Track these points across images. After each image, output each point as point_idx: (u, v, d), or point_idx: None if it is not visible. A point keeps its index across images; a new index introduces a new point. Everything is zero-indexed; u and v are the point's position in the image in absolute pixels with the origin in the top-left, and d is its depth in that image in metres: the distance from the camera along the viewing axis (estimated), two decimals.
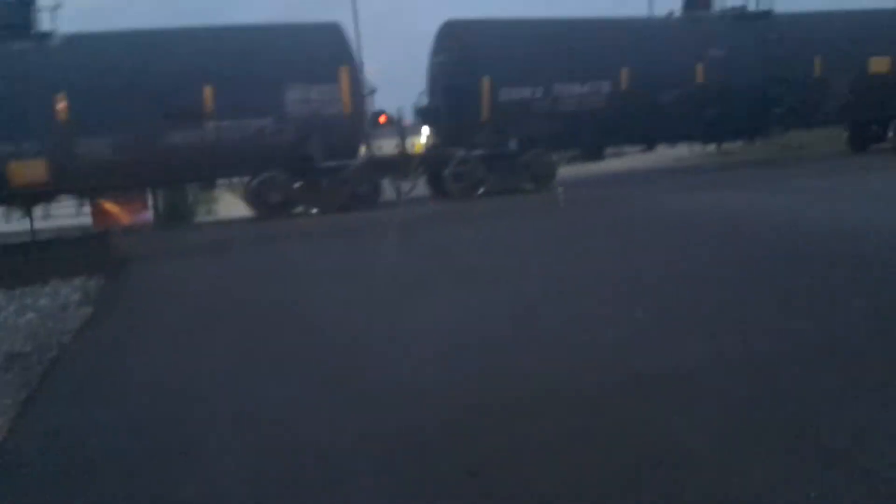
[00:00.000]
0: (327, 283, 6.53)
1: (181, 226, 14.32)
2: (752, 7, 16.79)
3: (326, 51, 13.10)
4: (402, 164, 14.82)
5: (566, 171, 19.51)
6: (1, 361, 4.84)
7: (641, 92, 15.16)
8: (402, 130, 15.90)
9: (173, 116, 11.99)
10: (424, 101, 15.68)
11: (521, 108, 14.50)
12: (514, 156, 14.75)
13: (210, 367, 4.28)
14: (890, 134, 18.07)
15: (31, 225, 13.14)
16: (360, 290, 5.98)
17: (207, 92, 12.09)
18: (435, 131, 15.69)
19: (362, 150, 14.73)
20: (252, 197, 13.47)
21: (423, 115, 15.72)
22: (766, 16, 16.53)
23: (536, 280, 6.08)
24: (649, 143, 16.98)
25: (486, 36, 14.72)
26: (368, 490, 2.60)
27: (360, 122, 13.55)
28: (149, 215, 13.74)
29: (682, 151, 21.28)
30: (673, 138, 16.88)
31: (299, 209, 13.62)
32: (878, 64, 17.05)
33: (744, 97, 16.00)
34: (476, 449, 2.83)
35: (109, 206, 13.15)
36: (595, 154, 16.60)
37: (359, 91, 13.50)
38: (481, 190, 14.45)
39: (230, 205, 16.52)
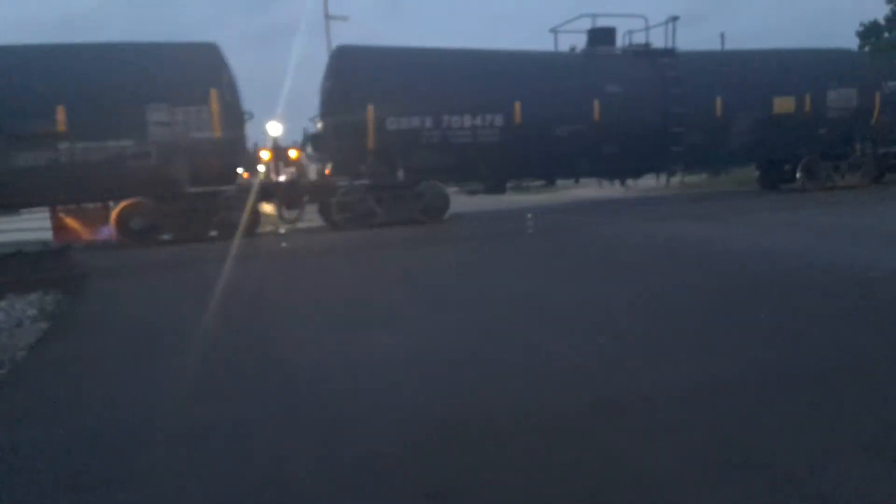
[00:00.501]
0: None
1: (144, 243, 13.76)
2: (658, 45, 16.79)
3: (197, 71, 12.54)
4: (287, 192, 14.27)
5: (518, 199, 19.99)
6: None
7: (536, 126, 14.89)
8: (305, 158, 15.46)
9: (21, 138, 11.28)
10: (314, 127, 15.23)
11: (410, 138, 14.09)
12: (404, 186, 14.31)
13: (164, 385, 4.17)
14: (798, 174, 18.07)
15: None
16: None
17: (60, 112, 11.41)
18: (324, 159, 15.20)
19: (246, 175, 14.18)
20: (116, 223, 12.79)
21: (313, 142, 15.25)
22: (668, 53, 16.47)
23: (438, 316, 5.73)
24: (548, 179, 16.65)
25: (374, 63, 14.33)
26: None
27: (233, 147, 12.96)
28: (110, 231, 13.33)
29: (649, 182, 21.72)
30: (571, 174, 16.60)
31: (166, 236, 12.94)
32: (782, 104, 17.09)
33: (642, 135, 15.85)
34: (437, 473, 2.77)
35: (70, 221, 12.95)
36: (496, 187, 16.22)
37: (234, 114, 12.93)
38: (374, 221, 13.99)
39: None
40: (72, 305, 7.09)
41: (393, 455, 2.93)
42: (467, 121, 14.42)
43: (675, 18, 16.65)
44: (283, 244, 12.63)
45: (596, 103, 15.33)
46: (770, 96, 16.95)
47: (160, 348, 5.07)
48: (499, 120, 14.63)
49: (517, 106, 14.67)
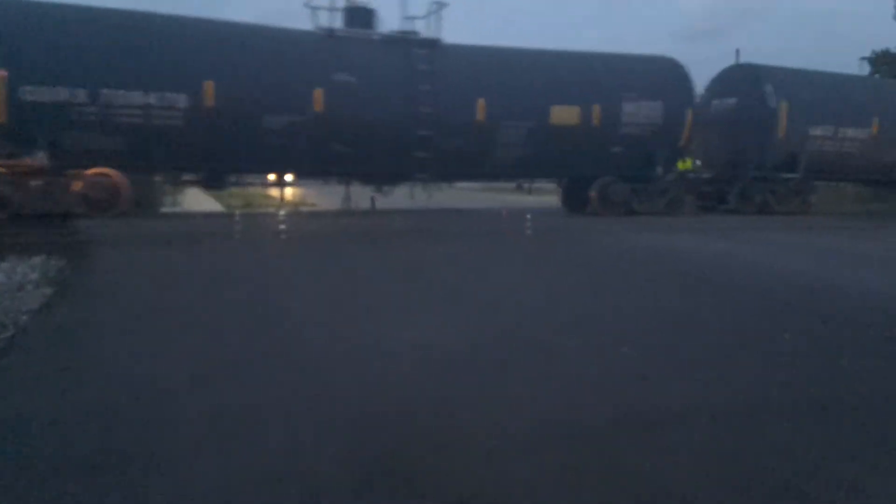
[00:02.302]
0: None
1: (147, 214, 13.81)
2: (427, 33, 14.37)
3: None
4: None
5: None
6: None
7: (237, 113, 12.35)
8: None
9: None
10: None
11: (55, 113, 11.43)
12: (49, 173, 11.64)
13: (166, 359, 4.13)
14: (592, 193, 15.82)
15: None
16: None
17: None
18: None
19: None
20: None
21: None
22: (426, 44, 14.04)
23: None
24: (259, 174, 14.08)
25: (18, 16, 11.58)
26: None
27: None
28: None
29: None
30: (290, 172, 14.04)
31: None
32: (563, 114, 14.78)
33: (382, 135, 13.40)
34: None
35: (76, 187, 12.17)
36: (212, 180, 13.61)
37: None
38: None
39: (196, 198, 16.61)
40: (75, 273, 6.92)
41: (415, 458, 2.82)
42: (137, 98, 11.80)
43: (441, 5, 14.24)
44: None
45: (318, 92, 12.82)
46: (548, 104, 14.65)
47: (166, 320, 5.09)
48: (182, 100, 12.02)
49: (209, 86, 12.09)
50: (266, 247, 9.85)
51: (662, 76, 15.97)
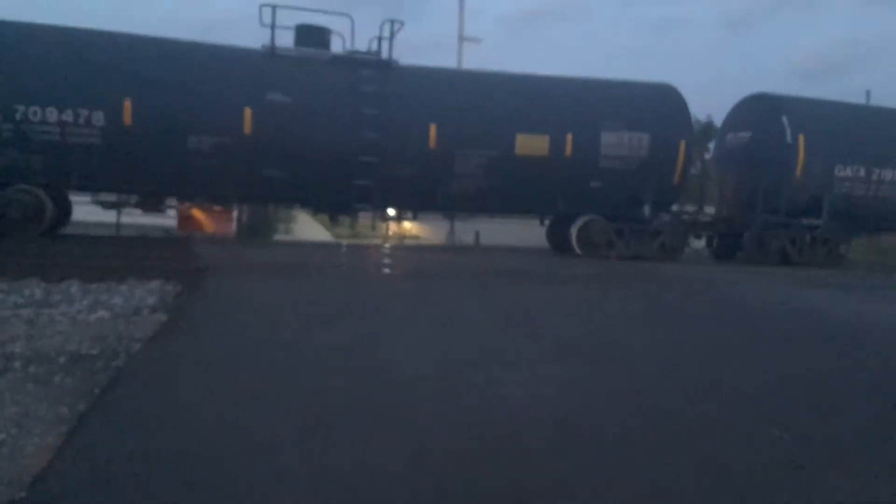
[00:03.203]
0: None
1: (261, 241, 14.34)
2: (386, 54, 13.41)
3: None
4: None
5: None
6: (65, 362, 4.57)
7: (157, 133, 11.73)
8: None
9: None
10: None
11: None
12: None
13: (273, 406, 3.91)
14: (572, 232, 14.21)
15: (118, 220, 13.16)
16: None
17: None
18: None
19: None
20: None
21: None
22: (376, 65, 13.05)
23: None
24: (185, 200, 13.26)
25: None
26: None
27: None
28: (232, 227, 14.24)
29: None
30: (217, 198, 13.17)
31: None
32: (530, 143, 13.35)
33: (321, 161, 12.44)
34: None
35: (196, 213, 13.18)
36: (149, 203, 12.99)
37: None
38: None
39: (307, 225, 16.84)
40: (191, 299, 6.87)
41: None
42: (52, 115, 11.40)
43: (395, 22, 13.27)
44: None
45: (248, 112, 12.06)
46: (512, 132, 13.28)
47: (282, 360, 4.85)
48: (100, 118, 11.51)
49: (127, 103, 11.55)
50: (374, 283, 9.53)
51: (652, 104, 14.26)
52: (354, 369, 4.78)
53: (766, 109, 15.53)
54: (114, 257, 9.24)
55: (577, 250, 14.27)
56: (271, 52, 12.67)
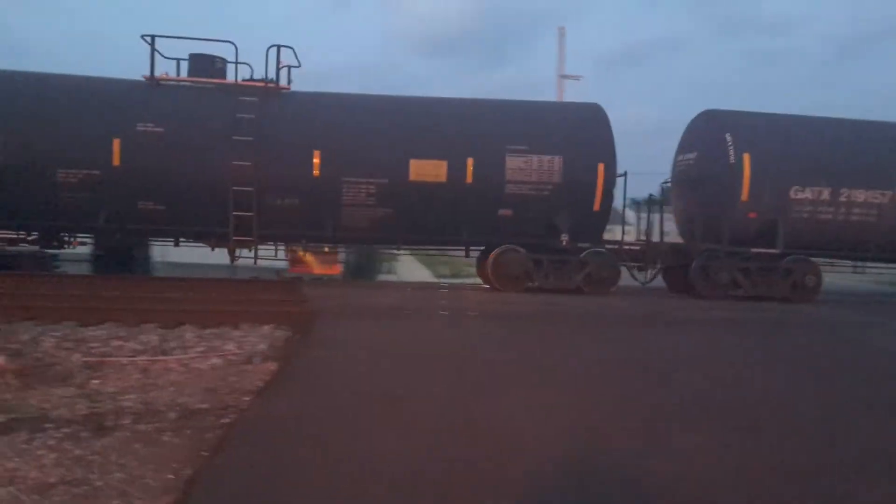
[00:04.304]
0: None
1: (366, 282, 14.68)
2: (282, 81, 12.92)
3: None
4: None
5: None
6: (175, 418, 4.53)
7: (29, 167, 11.61)
8: None
9: None
10: None
11: None
12: None
13: (390, 477, 3.48)
14: (487, 263, 13.06)
15: (231, 261, 13.42)
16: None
17: None
18: None
19: None
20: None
21: None
22: (257, 91, 12.50)
23: None
24: (67, 232, 12.83)
25: None
26: None
27: None
28: (339, 268, 14.66)
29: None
30: (94, 232, 12.75)
31: None
32: (425, 169, 12.42)
33: (193, 191, 11.96)
34: None
35: (304, 255, 13.61)
36: (46, 240, 12.81)
37: None
38: None
39: (409, 266, 16.68)
40: (301, 346, 6.83)
41: None
42: None
43: (280, 48, 12.76)
44: None
45: (116, 144, 11.77)
46: (406, 157, 12.40)
47: (396, 418, 4.48)
48: None
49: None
50: (473, 328, 8.81)
51: (567, 126, 13.06)
52: (465, 428, 4.35)
53: (710, 128, 13.97)
54: (228, 301, 9.39)
55: (495, 284, 13.10)
56: (152, 83, 12.42)
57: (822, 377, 6.54)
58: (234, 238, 12.16)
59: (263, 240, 12.64)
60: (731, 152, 13.17)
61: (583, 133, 13.02)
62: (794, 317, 11.14)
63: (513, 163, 12.59)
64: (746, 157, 13.04)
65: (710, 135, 13.86)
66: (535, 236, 12.86)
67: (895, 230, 13.34)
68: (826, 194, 13.20)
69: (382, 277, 15.93)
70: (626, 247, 13.83)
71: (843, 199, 13.23)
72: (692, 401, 5.26)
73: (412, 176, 12.39)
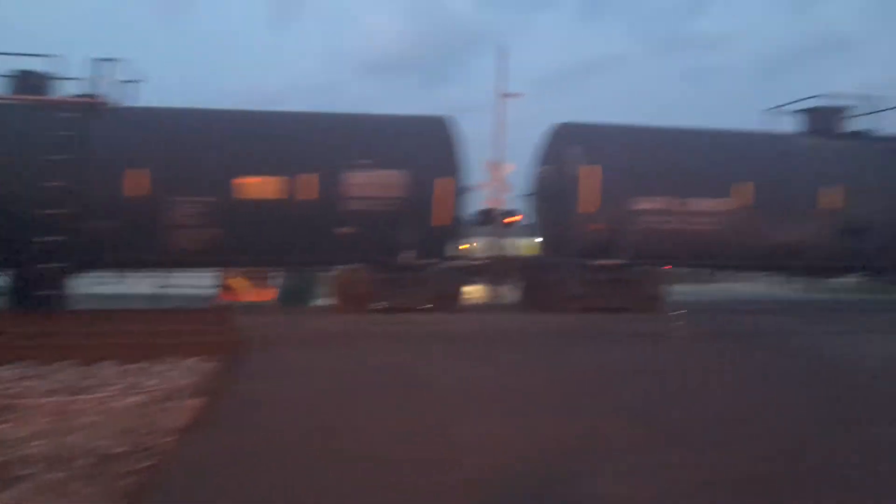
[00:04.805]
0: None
1: (301, 308, 13.67)
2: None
3: None
4: None
5: None
6: (90, 464, 4.14)
7: None
8: None
9: None
10: None
11: None
12: None
13: None
14: (333, 284, 12.62)
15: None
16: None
17: None
18: None
19: None
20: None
21: None
22: (75, 107, 11.74)
23: None
24: None
25: None
26: None
27: None
28: (272, 293, 13.74)
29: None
30: None
31: None
32: (258, 187, 11.93)
33: (12, 214, 11.13)
34: None
35: (235, 282, 13.07)
36: None
37: None
38: None
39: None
40: (229, 380, 6.45)
41: None
42: None
43: (105, 60, 12.07)
44: None
45: None
46: (235, 174, 11.87)
47: (333, 456, 4.13)
48: None
49: None
50: (417, 351, 8.35)
51: (410, 140, 12.81)
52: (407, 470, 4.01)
53: (559, 140, 13.97)
54: (152, 333, 8.71)
55: (339, 304, 12.68)
56: None
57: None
58: (40, 266, 11.31)
59: (84, 267, 11.85)
60: (578, 164, 13.17)
61: (428, 147, 12.77)
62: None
63: (355, 178, 12.23)
64: (590, 169, 13.06)
65: (559, 147, 13.85)
66: (380, 254, 12.52)
67: (738, 238, 13.59)
68: (669, 204, 13.35)
69: (319, 302, 14.79)
70: (475, 262, 13.65)
71: (685, 208, 13.41)
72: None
73: (243, 194, 11.87)
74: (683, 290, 15.99)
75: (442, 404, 5.66)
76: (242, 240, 11.99)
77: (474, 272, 13.44)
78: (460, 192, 12.89)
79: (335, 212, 12.18)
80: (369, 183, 12.28)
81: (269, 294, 13.85)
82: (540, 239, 14.86)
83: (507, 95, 23.77)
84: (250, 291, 13.37)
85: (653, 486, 3.79)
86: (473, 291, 14.92)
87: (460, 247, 14.12)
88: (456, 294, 12.93)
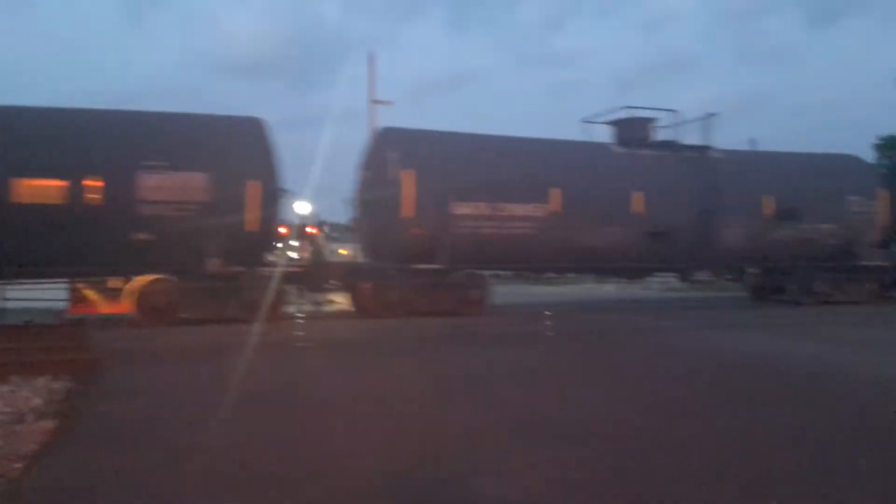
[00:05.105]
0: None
1: (162, 321, 11.89)
2: None
3: None
4: None
5: None
6: None
7: None
8: None
9: None
10: None
11: None
12: None
13: None
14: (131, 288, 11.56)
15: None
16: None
17: None
18: None
19: None
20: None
21: None
22: None
23: None
24: None
25: None
26: None
27: None
28: (129, 306, 12.00)
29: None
30: None
31: None
32: (36, 190, 10.76)
33: None
34: None
35: (89, 293, 11.88)
36: None
37: None
38: None
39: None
40: (84, 400, 5.93)
41: None
42: None
43: None
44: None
45: None
46: (8, 176, 10.66)
47: (200, 479, 3.88)
48: None
49: None
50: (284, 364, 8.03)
51: (216, 141, 12.11)
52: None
53: (379, 145, 13.83)
54: None
55: (138, 316, 11.68)
56: None
57: None
58: None
59: None
60: (396, 169, 13.04)
61: (235, 148, 12.12)
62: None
63: (149, 181, 11.33)
64: (409, 174, 12.97)
65: (379, 152, 13.67)
66: (185, 262, 11.67)
67: (551, 242, 14.02)
68: (485, 209, 13.54)
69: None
70: (291, 269, 13.11)
71: (502, 213, 13.66)
72: None
73: (17, 198, 10.64)
74: (542, 292, 16.50)
75: (314, 416, 5.46)
76: (26, 247, 10.72)
77: (292, 279, 12.85)
78: (275, 196, 12.35)
79: (128, 217, 11.22)
80: (166, 186, 11.43)
81: (125, 306, 12.56)
82: (364, 244, 14.59)
83: (377, 102, 23.44)
84: (105, 303, 12.15)
85: (523, 483, 3.80)
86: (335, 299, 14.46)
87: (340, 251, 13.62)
88: (276, 302, 12.29)
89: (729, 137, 16.43)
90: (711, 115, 16.03)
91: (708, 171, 15.47)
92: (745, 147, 17.28)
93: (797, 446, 4.62)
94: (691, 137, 16.10)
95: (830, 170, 17.32)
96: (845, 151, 18.83)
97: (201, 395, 6.27)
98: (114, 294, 12.01)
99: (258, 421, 5.24)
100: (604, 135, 16.07)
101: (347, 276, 13.60)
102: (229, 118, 12.57)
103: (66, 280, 11.90)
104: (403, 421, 5.28)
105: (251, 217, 11.92)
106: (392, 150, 13.19)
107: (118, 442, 4.72)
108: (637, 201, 14.62)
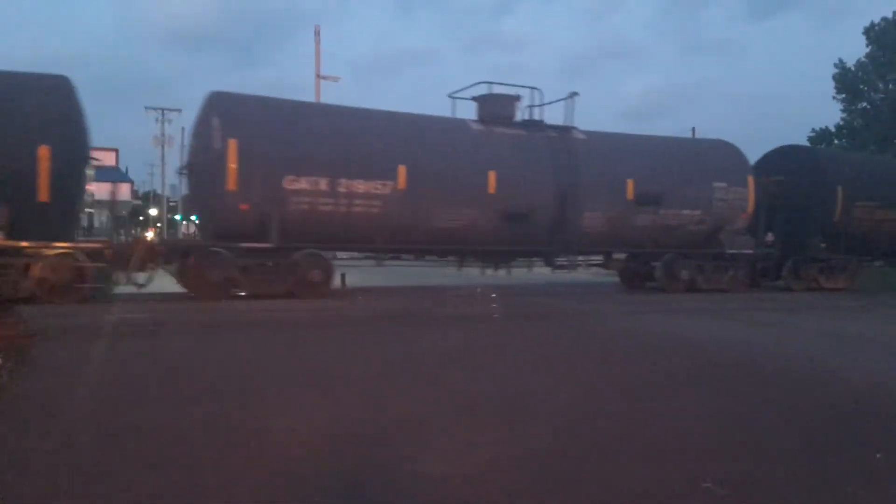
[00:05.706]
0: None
1: (108, 294, 11.50)
2: None
3: None
4: None
5: None
6: None
7: None
8: None
9: None
10: None
11: None
12: None
13: None
14: None
15: None
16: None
17: None
18: None
19: None
20: None
21: None
22: None
23: None
24: None
25: None
26: None
27: None
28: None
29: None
30: None
31: None
32: None
33: None
34: None
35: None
36: None
37: None
38: None
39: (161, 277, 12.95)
40: (14, 378, 5.64)
41: None
42: None
43: None
44: None
45: None
46: None
47: (136, 458, 3.73)
48: None
49: None
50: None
51: (6, 98, 10.76)
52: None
53: (204, 111, 12.64)
54: None
55: None
56: None
57: None
58: None
59: None
60: (218, 137, 11.96)
61: (26, 109, 10.79)
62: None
63: None
64: (233, 143, 11.91)
65: (205, 119, 12.55)
66: None
67: (399, 221, 13.24)
68: (324, 185, 12.62)
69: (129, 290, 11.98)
70: (93, 245, 11.84)
71: (342, 189, 12.77)
72: None
73: None
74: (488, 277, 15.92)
75: (255, 394, 5.25)
76: None
77: (96, 257, 11.59)
78: (75, 164, 11.10)
79: None
80: None
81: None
82: (197, 220, 13.46)
83: (323, 77, 22.25)
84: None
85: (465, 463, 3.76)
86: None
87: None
88: (77, 281, 11.04)
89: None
90: (574, 94, 15.56)
91: (569, 152, 14.97)
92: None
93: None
94: (553, 118, 15.64)
95: (699, 156, 17.18)
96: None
97: (138, 369, 6.18)
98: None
99: (188, 395, 5.10)
100: (470, 111, 15.42)
101: (169, 255, 12.45)
102: (27, 75, 11.22)
103: None
104: None
105: (42, 186, 10.64)
106: (217, 116, 12.09)
107: (50, 426, 4.38)
108: (492, 181, 14.00)
